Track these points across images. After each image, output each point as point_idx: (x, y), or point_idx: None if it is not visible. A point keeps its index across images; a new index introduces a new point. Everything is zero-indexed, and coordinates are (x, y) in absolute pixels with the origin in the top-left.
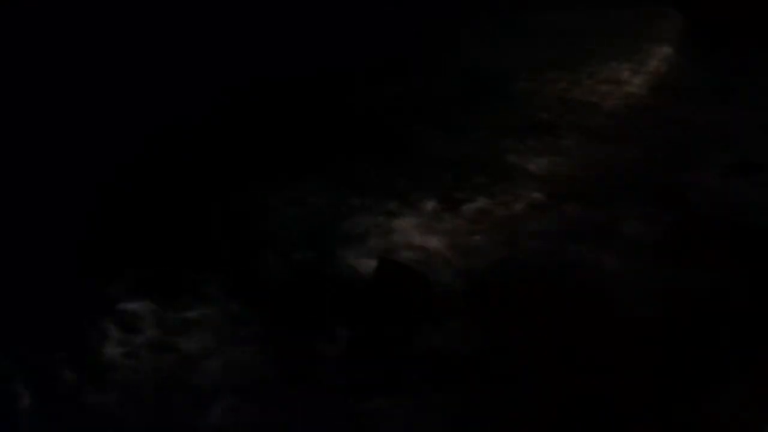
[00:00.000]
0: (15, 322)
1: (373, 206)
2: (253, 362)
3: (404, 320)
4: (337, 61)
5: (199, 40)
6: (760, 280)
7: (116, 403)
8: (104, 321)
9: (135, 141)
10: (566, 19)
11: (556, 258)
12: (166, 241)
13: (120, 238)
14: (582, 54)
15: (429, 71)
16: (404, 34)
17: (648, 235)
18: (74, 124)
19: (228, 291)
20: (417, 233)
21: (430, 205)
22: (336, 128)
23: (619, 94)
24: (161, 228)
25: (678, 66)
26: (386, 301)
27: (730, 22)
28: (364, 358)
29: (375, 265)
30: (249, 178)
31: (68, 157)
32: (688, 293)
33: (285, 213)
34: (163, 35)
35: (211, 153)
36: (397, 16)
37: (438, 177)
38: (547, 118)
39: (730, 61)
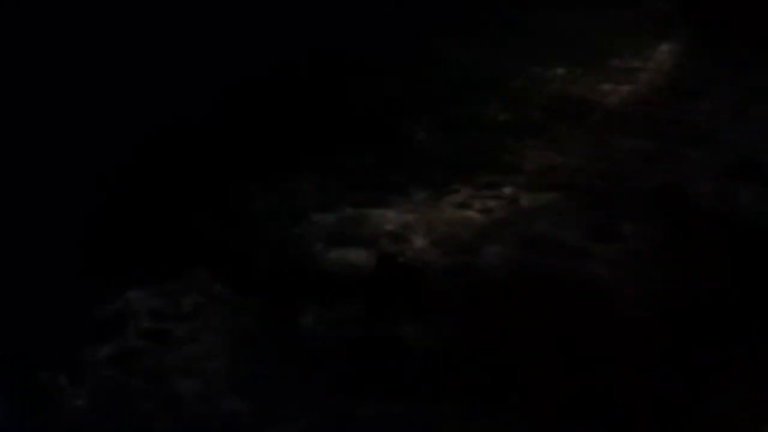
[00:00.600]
0: (7, 313)
1: (372, 203)
2: (245, 354)
3: (403, 317)
4: (336, 59)
5: (196, 39)
6: (757, 279)
7: (107, 390)
8: (100, 310)
9: (132, 139)
10: (567, 19)
11: (553, 256)
12: (164, 237)
13: (117, 232)
14: (582, 53)
15: (429, 69)
16: (404, 32)
17: (645, 234)
18: (74, 123)
19: (222, 285)
20: (415, 230)
21: (428, 202)
22: (335, 126)
23: (618, 92)
24: (159, 224)
25: (678, 65)
26: (385, 297)
27: (730, 22)
28: (360, 355)
29: (373, 261)
30: (248, 176)
31: (67, 154)
32: (685, 292)
33: (284, 209)
34: (160, 34)
35: (209, 151)
36: (397, 15)
37: (437, 175)
38: (546, 117)
39: (729, 61)
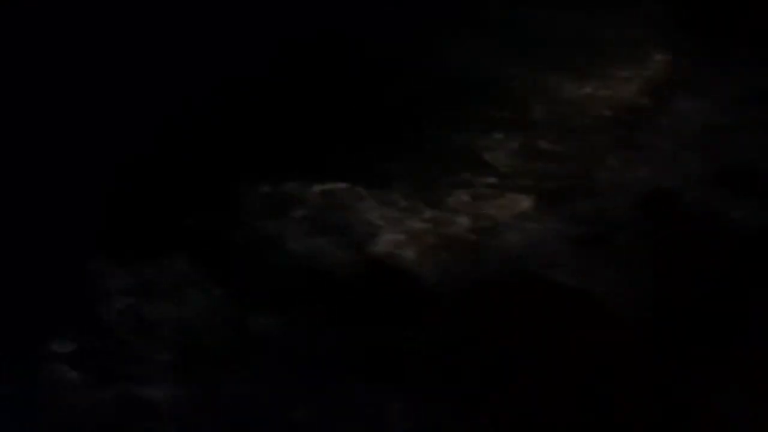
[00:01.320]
0: None
1: (367, 202)
2: (229, 344)
3: (394, 318)
4: (334, 59)
5: (196, 41)
6: (746, 285)
7: (76, 370)
8: (80, 292)
9: (134, 134)
10: (566, 20)
11: (545, 261)
12: (154, 227)
13: (107, 222)
14: (580, 55)
15: (427, 70)
16: (404, 32)
17: (637, 240)
18: (73, 119)
19: (212, 279)
20: (408, 232)
21: (422, 203)
22: (330, 125)
23: (614, 96)
24: (152, 216)
25: (675, 68)
26: (375, 298)
27: (728, 25)
28: (347, 355)
29: (364, 261)
30: (244, 172)
31: (66, 149)
32: (674, 297)
33: (275, 205)
34: (166, 30)
35: (209, 146)
36: (397, 15)
37: (431, 176)
38: (541, 120)
39: (726, 63)
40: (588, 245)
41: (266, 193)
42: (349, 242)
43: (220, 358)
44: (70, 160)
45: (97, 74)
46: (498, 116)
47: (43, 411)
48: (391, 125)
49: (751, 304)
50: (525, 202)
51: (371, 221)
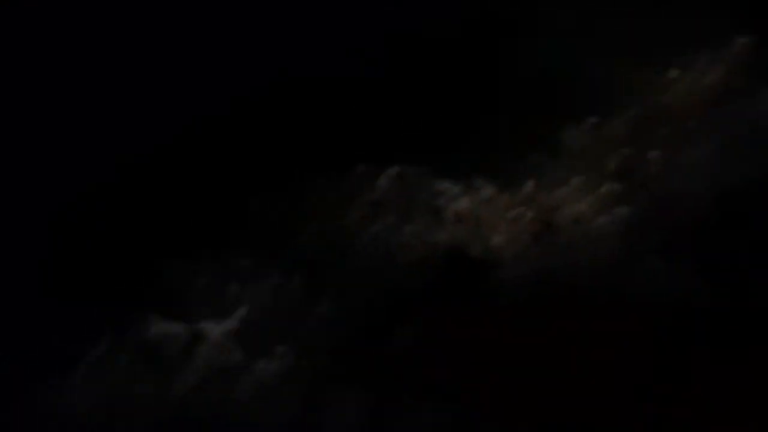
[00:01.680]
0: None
1: (435, 189)
2: (295, 325)
3: (469, 315)
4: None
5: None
6: None
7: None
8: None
9: (214, 126)
10: (627, 15)
11: (594, 266)
12: (229, 219)
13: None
14: (657, 41)
15: (501, 62)
16: (471, 29)
17: (699, 234)
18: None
19: (279, 266)
20: (478, 217)
21: (490, 190)
22: (400, 116)
23: (690, 82)
24: (223, 209)
25: (752, 53)
26: (439, 285)
27: None
28: (411, 339)
29: (430, 248)
30: (318, 161)
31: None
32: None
33: (346, 193)
34: (230, 30)
35: (273, 139)
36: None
37: (502, 162)
38: (618, 107)
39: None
40: (651, 241)
41: (333, 179)
42: (415, 229)
43: (288, 336)
44: (141, 145)
45: (149, 74)
46: (575, 104)
47: (109, 397)
48: (462, 112)
49: None
50: (592, 193)
51: (439, 207)
